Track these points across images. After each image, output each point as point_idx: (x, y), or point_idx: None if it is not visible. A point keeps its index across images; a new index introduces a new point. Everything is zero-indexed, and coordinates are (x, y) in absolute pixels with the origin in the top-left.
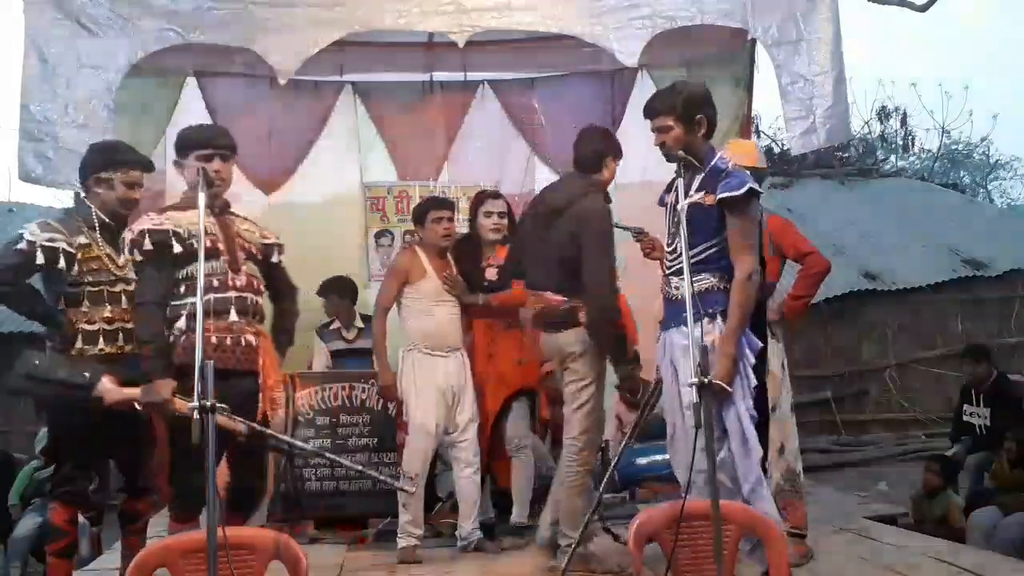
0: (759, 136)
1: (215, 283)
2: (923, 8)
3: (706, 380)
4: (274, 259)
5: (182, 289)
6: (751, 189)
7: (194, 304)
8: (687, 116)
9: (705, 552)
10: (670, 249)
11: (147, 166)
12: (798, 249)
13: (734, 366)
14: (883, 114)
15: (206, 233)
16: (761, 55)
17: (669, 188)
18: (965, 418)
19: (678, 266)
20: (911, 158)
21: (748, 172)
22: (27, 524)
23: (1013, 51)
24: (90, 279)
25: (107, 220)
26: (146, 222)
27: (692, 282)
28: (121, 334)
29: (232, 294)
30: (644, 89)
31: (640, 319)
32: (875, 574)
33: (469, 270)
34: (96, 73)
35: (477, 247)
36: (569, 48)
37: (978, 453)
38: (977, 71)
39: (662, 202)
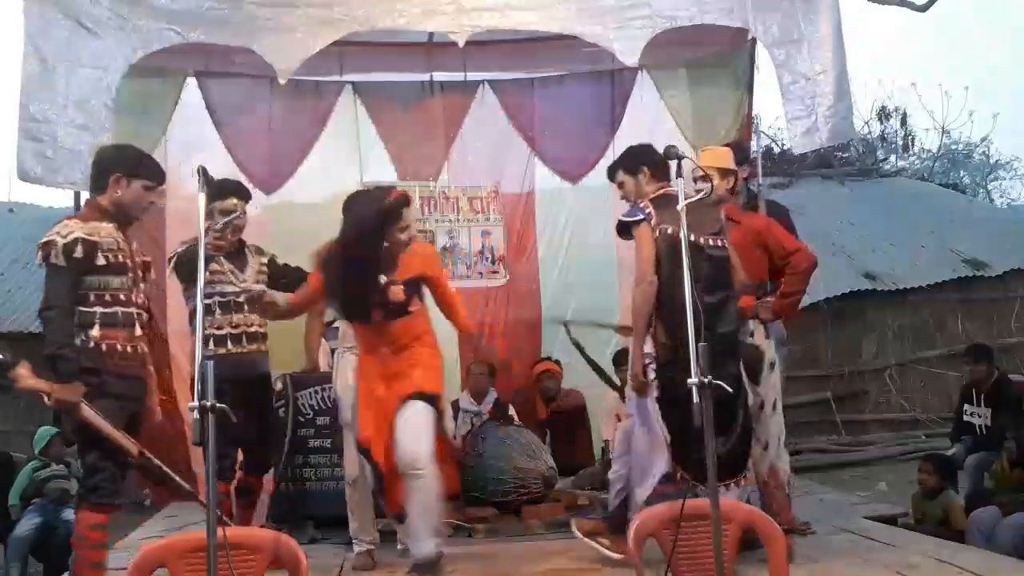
0: (759, 136)
1: (122, 297)
2: (923, 8)
3: (706, 380)
4: (151, 276)
5: (91, 298)
6: (620, 221)
7: (104, 314)
8: (632, 171)
9: (705, 552)
10: None
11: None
12: (783, 247)
13: (639, 364)
14: (883, 114)
15: (118, 248)
16: (761, 55)
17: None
18: (965, 418)
19: None
20: (911, 158)
21: (641, 206)
22: (27, 524)
23: (1013, 51)
24: (218, 290)
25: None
26: (77, 229)
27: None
28: (244, 338)
29: (134, 310)
30: (644, 89)
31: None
32: (875, 574)
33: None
34: (96, 73)
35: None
36: (569, 48)
37: (978, 453)
38: (977, 71)
39: None
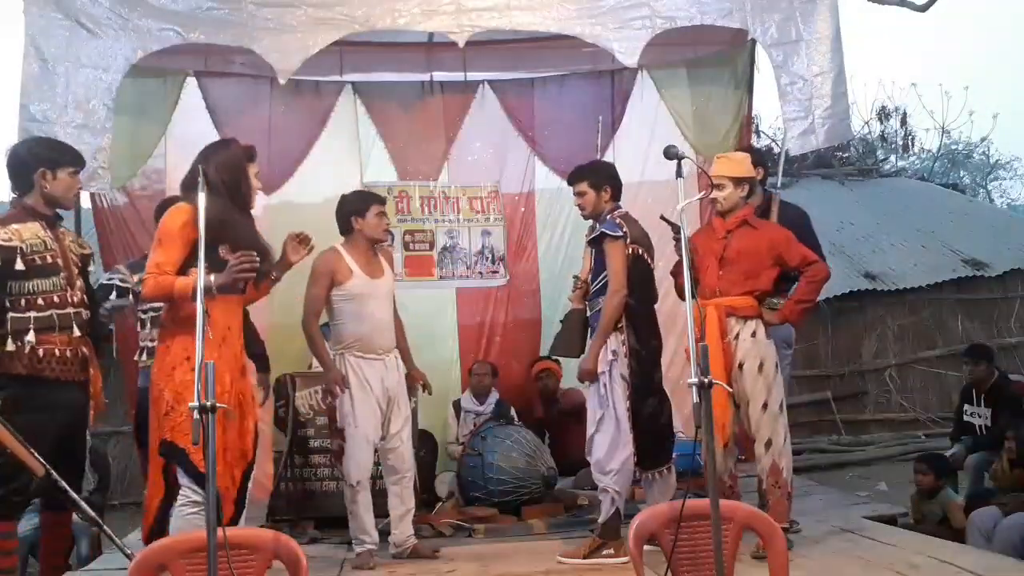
0: (759, 136)
1: (55, 299)
2: (923, 8)
3: (706, 380)
4: (90, 268)
5: (23, 303)
6: (602, 232)
7: (37, 318)
8: (597, 186)
9: (705, 552)
10: None
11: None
12: (804, 258)
13: (596, 359)
14: (883, 114)
15: (47, 249)
16: (761, 55)
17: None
18: (966, 418)
19: None
20: (911, 158)
21: (617, 223)
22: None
23: (1013, 51)
24: (150, 305)
25: None
26: None
27: (595, 304)
28: None
29: (71, 310)
30: (644, 89)
31: None
32: (875, 574)
33: None
34: (96, 73)
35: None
36: (569, 48)
37: (978, 453)
38: (977, 71)
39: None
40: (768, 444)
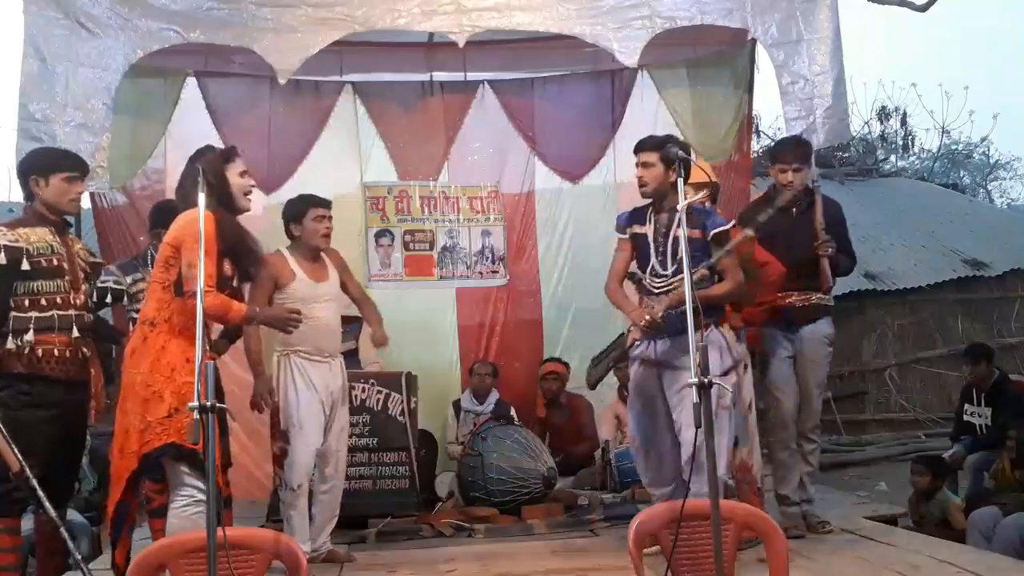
0: (759, 136)
1: (58, 300)
2: (923, 8)
3: (706, 380)
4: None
5: (26, 303)
6: (733, 225)
7: (39, 318)
8: (668, 162)
9: (705, 552)
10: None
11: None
12: (754, 260)
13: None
14: (883, 114)
15: (53, 252)
16: (761, 55)
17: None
18: (966, 418)
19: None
20: (911, 158)
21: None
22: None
23: (1013, 51)
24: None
25: None
26: (1, 237)
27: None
28: None
29: (72, 312)
30: (644, 89)
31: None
32: (875, 574)
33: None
34: (96, 73)
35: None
36: (569, 48)
37: (978, 453)
38: (977, 71)
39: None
40: (736, 442)
